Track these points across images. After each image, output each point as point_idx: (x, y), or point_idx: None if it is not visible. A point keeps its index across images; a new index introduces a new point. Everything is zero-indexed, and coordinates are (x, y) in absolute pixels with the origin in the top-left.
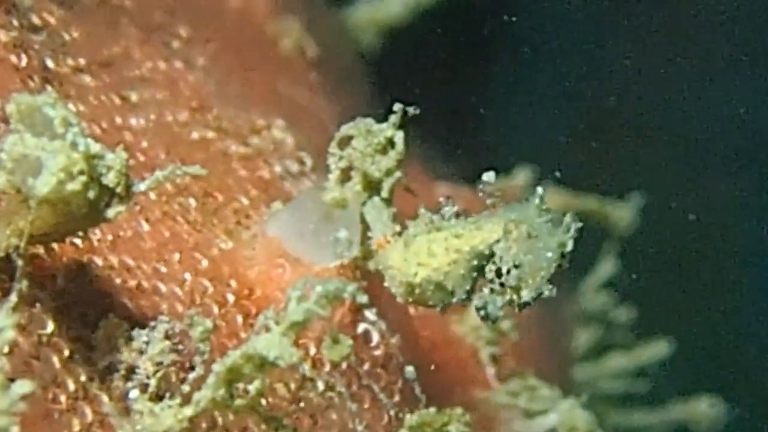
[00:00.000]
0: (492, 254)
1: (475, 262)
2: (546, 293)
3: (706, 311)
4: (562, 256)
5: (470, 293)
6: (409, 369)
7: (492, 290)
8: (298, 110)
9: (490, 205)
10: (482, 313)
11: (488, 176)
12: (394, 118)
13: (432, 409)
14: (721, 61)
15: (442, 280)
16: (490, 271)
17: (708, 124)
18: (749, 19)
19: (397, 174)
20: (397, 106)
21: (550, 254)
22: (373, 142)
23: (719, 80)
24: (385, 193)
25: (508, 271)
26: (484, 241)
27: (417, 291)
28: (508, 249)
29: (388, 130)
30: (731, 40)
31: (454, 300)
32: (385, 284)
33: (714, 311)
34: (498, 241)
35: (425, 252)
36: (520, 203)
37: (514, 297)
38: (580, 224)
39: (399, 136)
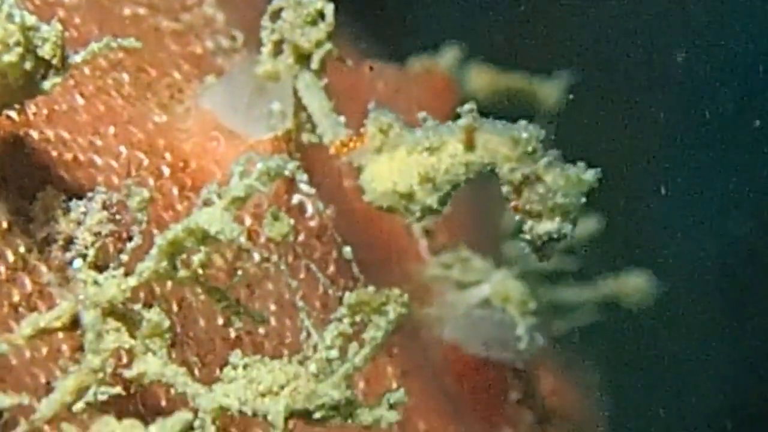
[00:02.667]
0: (472, 171)
1: (449, 181)
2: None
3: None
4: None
5: (441, 204)
6: (347, 249)
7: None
8: None
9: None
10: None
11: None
12: None
13: (370, 289)
14: None
15: (416, 194)
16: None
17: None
18: None
19: (328, 45)
20: None
21: (576, 199)
22: (303, 13)
23: None
24: (315, 65)
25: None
26: (464, 163)
27: (392, 201)
28: (528, 204)
29: (318, 1)
30: None
31: (425, 215)
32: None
33: (642, 191)
34: (483, 164)
35: (405, 168)
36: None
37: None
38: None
39: (329, 8)
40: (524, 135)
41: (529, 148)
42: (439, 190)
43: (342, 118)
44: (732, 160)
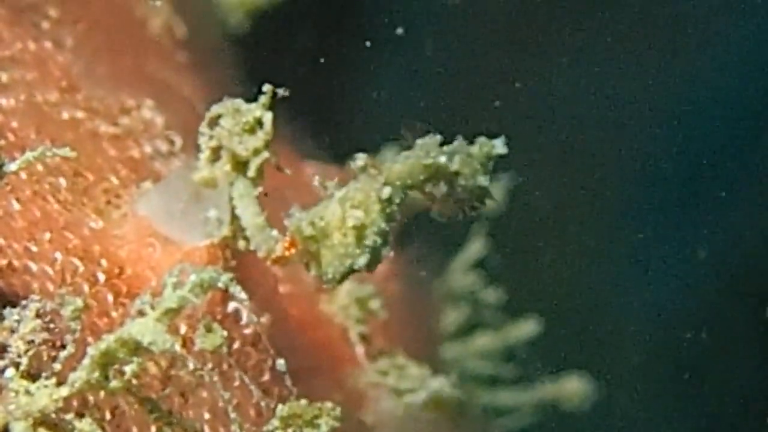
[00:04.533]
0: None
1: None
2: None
3: (575, 292)
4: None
5: (373, 261)
6: (280, 362)
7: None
8: (166, 90)
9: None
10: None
11: (360, 158)
12: (263, 99)
13: (303, 402)
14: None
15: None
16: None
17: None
18: None
19: (265, 154)
20: (267, 87)
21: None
22: (242, 121)
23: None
24: (252, 173)
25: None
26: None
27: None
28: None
29: (256, 110)
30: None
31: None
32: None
33: (581, 291)
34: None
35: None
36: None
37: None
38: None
39: (267, 117)
40: (426, 158)
41: (430, 161)
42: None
43: (275, 232)
44: (675, 257)
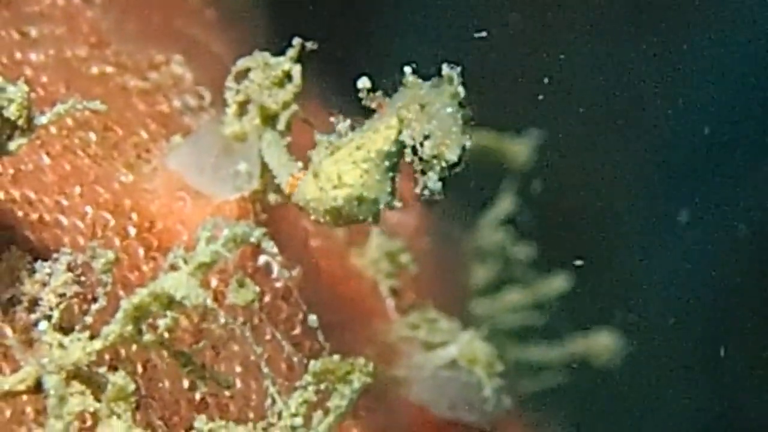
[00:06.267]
0: (401, 146)
1: (387, 163)
2: (468, 143)
3: (604, 247)
4: (461, 105)
5: (393, 192)
6: (312, 318)
7: (421, 172)
8: (195, 46)
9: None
10: (425, 195)
11: (362, 82)
12: (291, 52)
13: (336, 357)
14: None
15: (362, 193)
16: (409, 156)
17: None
18: None
19: (294, 107)
20: (296, 40)
21: (450, 109)
22: (271, 74)
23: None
24: (281, 126)
25: (422, 146)
26: (387, 139)
27: (344, 213)
28: (412, 131)
29: (285, 63)
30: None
31: (382, 205)
32: (312, 218)
33: (611, 247)
34: (399, 131)
35: (335, 174)
36: (397, 92)
37: (442, 164)
38: (458, 68)
39: (296, 70)
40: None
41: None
42: (381, 175)
43: (299, 163)
44: (704, 214)
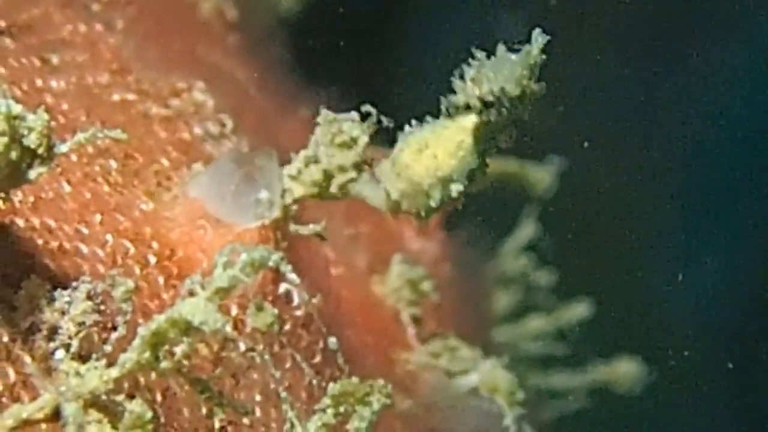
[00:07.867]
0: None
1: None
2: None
3: (626, 274)
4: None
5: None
6: (332, 340)
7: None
8: (217, 73)
9: None
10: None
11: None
12: (364, 125)
13: (355, 379)
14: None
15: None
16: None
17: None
18: None
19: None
20: (370, 111)
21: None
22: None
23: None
24: (334, 189)
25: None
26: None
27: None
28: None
29: (354, 129)
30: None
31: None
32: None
33: (633, 274)
34: (480, 111)
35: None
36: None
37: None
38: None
39: (363, 138)
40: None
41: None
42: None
43: None
44: (729, 241)
